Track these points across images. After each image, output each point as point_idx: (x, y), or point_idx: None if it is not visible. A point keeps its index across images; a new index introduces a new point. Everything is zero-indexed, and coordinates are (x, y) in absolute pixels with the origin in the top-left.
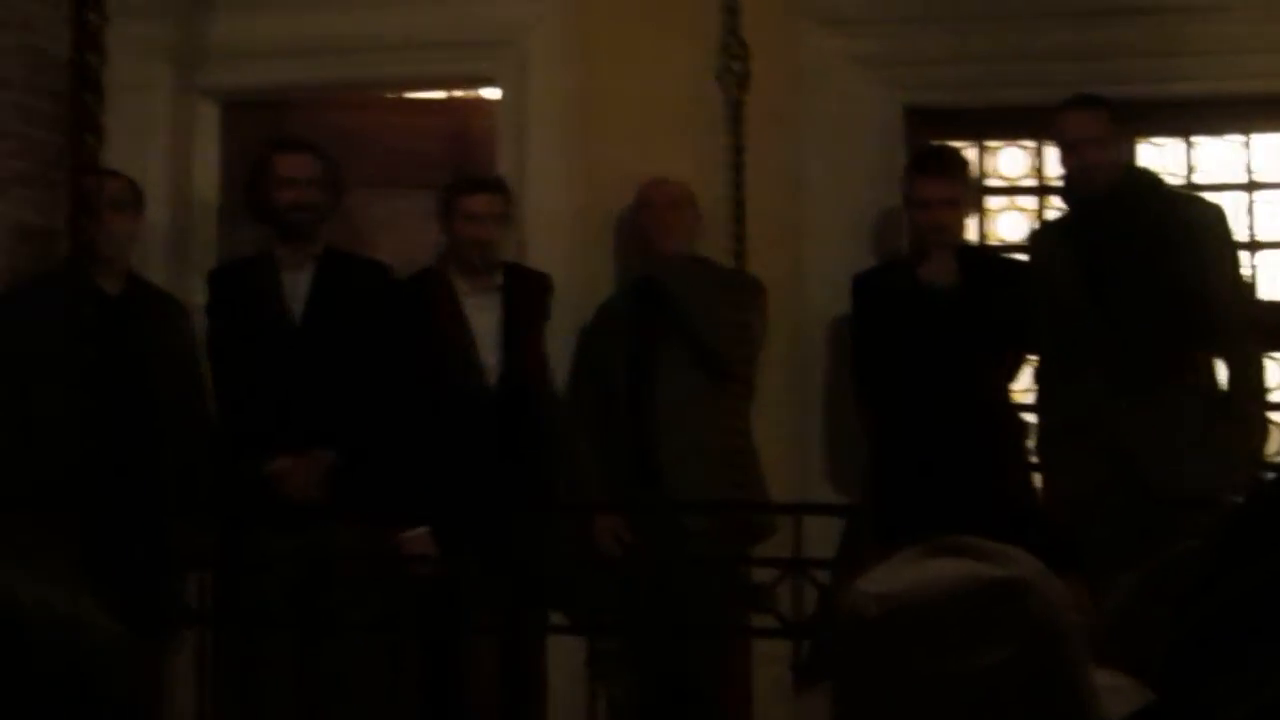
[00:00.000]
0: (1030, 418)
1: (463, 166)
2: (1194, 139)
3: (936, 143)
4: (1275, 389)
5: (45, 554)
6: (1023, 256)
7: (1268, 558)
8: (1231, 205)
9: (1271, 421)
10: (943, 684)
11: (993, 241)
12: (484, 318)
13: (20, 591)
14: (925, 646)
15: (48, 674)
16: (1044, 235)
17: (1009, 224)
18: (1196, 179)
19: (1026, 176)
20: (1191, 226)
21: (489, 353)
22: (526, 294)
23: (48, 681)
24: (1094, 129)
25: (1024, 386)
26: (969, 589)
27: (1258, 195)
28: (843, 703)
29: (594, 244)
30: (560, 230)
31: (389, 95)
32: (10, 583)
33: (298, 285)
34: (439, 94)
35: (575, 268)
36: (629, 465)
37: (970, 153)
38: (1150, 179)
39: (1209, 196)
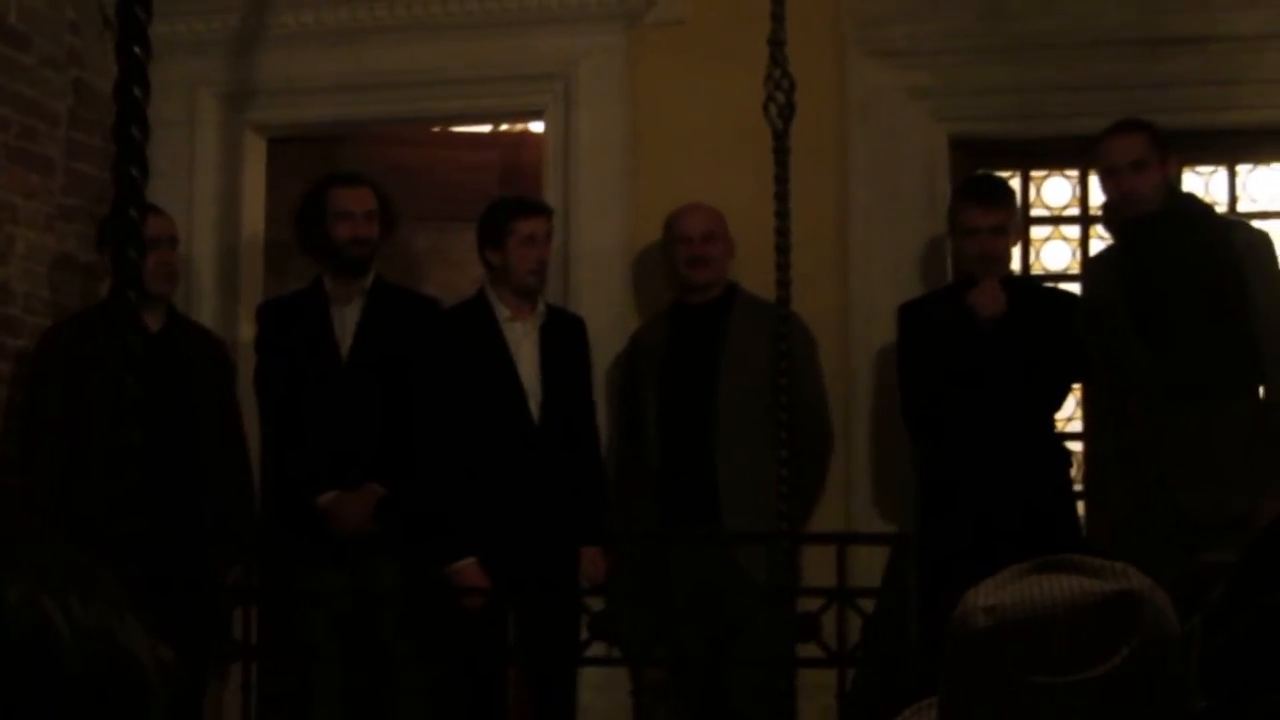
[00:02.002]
0: (1075, 446)
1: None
2: (1239, 167)
3: (983, 172)
4: None
5: (92, 575)
6: (1068, 286)
7: None
8: (1276, 234)
9: None
10: (1054, 695)
11: (1037, 271)
12: (525, 345)
13: (50, 610)
14: (1038, 658)
15: (80, 695)
16: (1096, 264)
17: (1054, 253)
18: (1241, 207)
19: (1071, 206)
20: (1236, 251)
21: (531, 380)
22: (565, 334)
23: (80, 703)
24: (1135, 153)
25: (1067, 415)
26: (1084, 601)
27: None
28: (950, 714)
29: (642, 276)
30: (608, 262)
31: (437, 129)
32: (38, 601)
33: (347, 319)
34: (487, 128)
35: (623, 300)
36: (671, 496)
37: (1015, 182)
38: (1194, 204)
39: (1255, 224)
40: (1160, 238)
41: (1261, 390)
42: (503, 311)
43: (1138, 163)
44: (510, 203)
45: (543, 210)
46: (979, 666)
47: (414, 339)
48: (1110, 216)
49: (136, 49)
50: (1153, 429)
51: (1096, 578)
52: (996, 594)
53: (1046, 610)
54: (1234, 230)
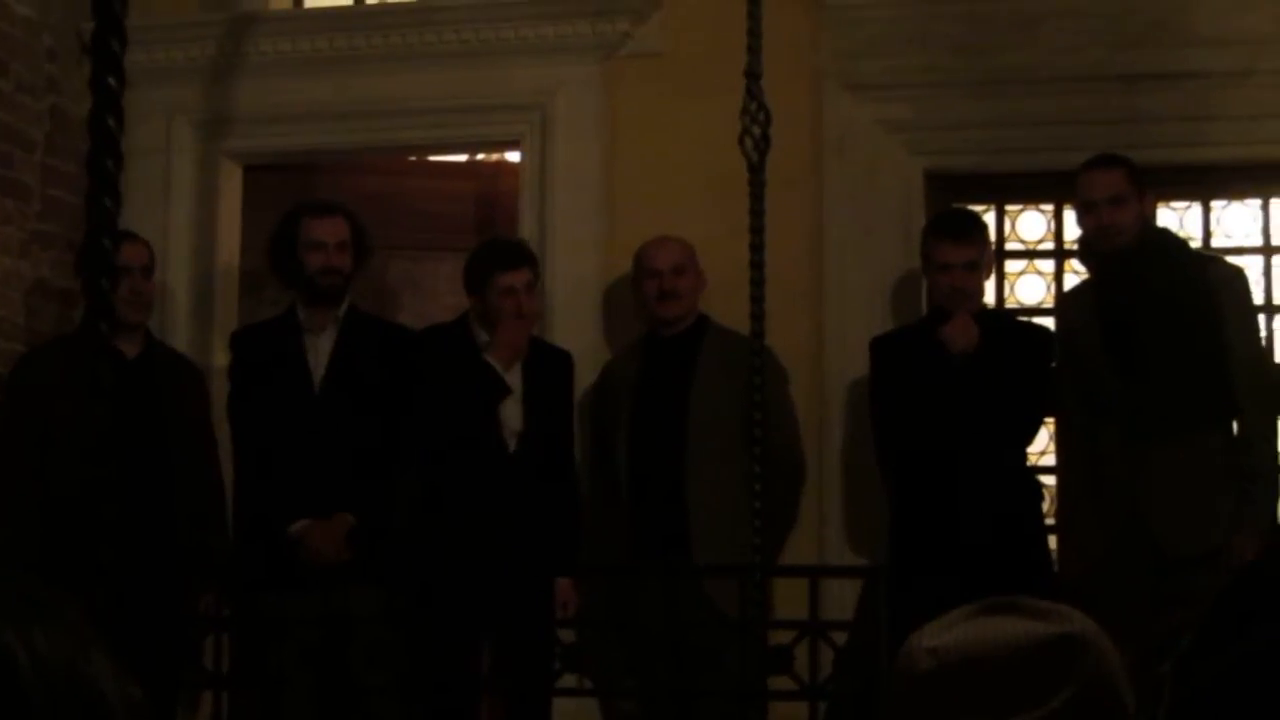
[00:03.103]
0: (1048, 480)
1: (487, 230)
2: (1213, 203)
3: (956, 206)
4: None
5: (56, 609)
6: (1042, 320)
7: (1263, 632)
8: (1249, 269)
9: None
10: None
11: (1011, 305)
12: (507, 375)
13: (13, 644)
14: (978, 701)
15: None
16: (1071, 298)
17: (1028, 287)
18: (1214, 243)
19: (1045, 240)
20: (1211, 287)
21: (511, 411)
22: (548, 367)
23: None
24: (1113, 188)
25: (1041, 449)
26: (1025, 645)
27: (1275, 259)
28: None
29: (616, 307)
30: (583, 293)
31: (413, 159)
32: (1, 634)
33: (320, 348)
34: (463, 157)
35: (598, 330)
36: (641, 528)
37: (990, 216)
38: (1170, 239)
39: (1228, 259)
40: (1137, 272)
41: (1235, 424)
42: (483, 338)
43: (1116, 197)
44: (495, 252)
45: (525, 262)
46: (921, 708)
47: (388, 370)
48: (1087, 250)
49: (111, 80)
50: (1127, 462)
51: (1040, 620)
52: (940, 636)
53: (988, 653)
54: (1209, 265)
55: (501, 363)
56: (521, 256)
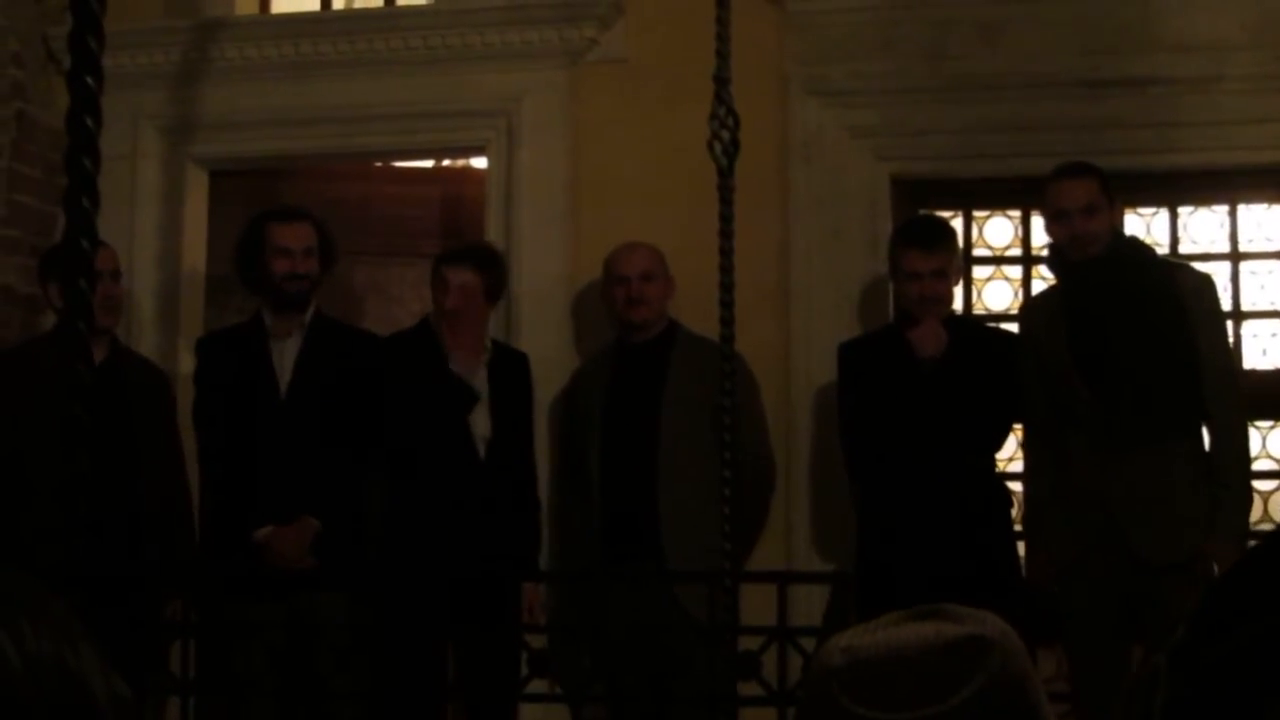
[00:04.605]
0: (1016, 487)
1: (452, 236)
2: (1180, 210)
3: (924, 213)
4: (1259, 457)
5: (43, 605)
6: (1009, 326)
7: (1262, 619)
8: (1217, 275)
9: (1255, 490)
10: None
11: (979, 311)
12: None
13: (5, 643)
14: (877, 696)
15: None
16: (1037, 305)
17: (995, 293)
18: (1182, 249)
19: (1013, 246)
20: (1180, 294)
21: (478, 415)
22: (509, 370)
23: None
24: (1084, 197)
25: (1008, 455)
26: (934, 644)
27: (1242, 265)
28: None
29: (583, 313)
30: (550, 298)
31: (379, 164)
32: None
33: (286, 354)
34: (429, 163)
35: (565, 336)
36: (612, 534)
37: (957, 222)
38: (1139, 247)
39: (1196, 266)
40: (1106, 280)
41: (1205, 431)
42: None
43: (1090, 207)
44: (451, 249)
45: (469, 261)
46: (823, 702)
47: (354, 376)
48: (1055, 258)
49: (89, 79)
50: (1098, 470)
51: (957, 624)
52: (860, 636)
53: (896, 651)
54: (1178, 272)
55: (465, 370)
56: (465, 255)
